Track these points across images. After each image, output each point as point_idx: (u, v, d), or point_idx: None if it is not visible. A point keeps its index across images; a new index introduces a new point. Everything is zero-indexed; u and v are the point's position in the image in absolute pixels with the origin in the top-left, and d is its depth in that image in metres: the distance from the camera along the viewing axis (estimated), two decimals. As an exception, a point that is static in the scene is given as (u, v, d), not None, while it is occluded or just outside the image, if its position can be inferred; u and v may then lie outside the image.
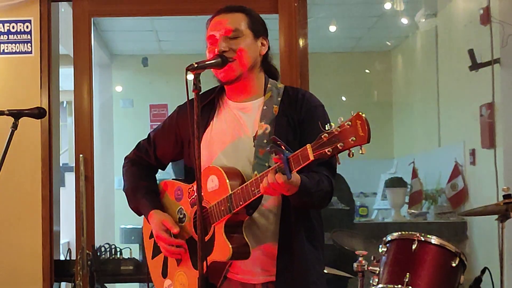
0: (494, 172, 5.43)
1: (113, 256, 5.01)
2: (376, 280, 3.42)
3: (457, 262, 3.34)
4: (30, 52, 4.85)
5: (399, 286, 3.28)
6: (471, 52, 5.83)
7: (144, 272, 5.09)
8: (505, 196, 3.76)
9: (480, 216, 4.55)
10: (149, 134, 2.95)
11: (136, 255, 5.56)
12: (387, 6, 7.12)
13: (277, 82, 2.77)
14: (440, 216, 6.75)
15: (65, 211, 5.21)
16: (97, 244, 4.96)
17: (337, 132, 2.17)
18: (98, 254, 4.89)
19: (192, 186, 2.69)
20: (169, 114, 2.96)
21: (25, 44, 4.84)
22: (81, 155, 4.93)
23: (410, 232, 3.44)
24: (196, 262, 2.57)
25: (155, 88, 9.00)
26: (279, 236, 2.59)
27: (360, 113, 2.15)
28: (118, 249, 5.04)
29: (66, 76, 5.42)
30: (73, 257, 4.90)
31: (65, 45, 5.86)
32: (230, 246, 2.48)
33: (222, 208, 2.50)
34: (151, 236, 2.84)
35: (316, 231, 2.69)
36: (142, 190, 2.84)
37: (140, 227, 5.31)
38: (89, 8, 5.07)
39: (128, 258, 5.05)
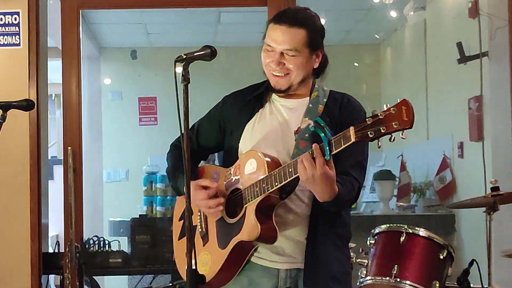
0: (482, 165, 5.46)
1: (102, 249, 5.01)
2: (365, 272, 3.43)
3: (445, 254, 3.35)
4: (18, 44, 4.82)
5: (387, 278, 3.29)
6: (459, 45, 5.85)
7: (132, 265, 5.11)
8: (492, 189, 3.78)
9: (468, 208, 4.57)
10: (193, 125, 2.94)
11: (125, 247, 5.55)
12: (376, -1, 7.12)
13: (323, 86, 2.85)
14: (428, 208, 6.77)
15: (53, 204, 5.20)
16: (85, 237, 4.96)
17: (381, 116, 2.24)
18: (87, 246, 4.89)
19: (229, 169, 2.72)
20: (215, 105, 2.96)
21: (13, 36, 4.82)
22: (69, 148, 4.91)
23: (398, 225, 3.45)
24: (223, 242, 2.62)
25: (144, 81, 8.97)
26: (308, 225, 2.63)
27: (406, 100, 2.22)
28: (106, 242, 5.04)
29: (54, 69, 5.39)
30: (62, 250, 4.89)
31: (54, 38, 5.83)
32: (259, 227, 2.51)
33: (257, 189, 2.53)
34: (181, 218, 2.88)
35: (347, 227, 2.75)
36: (181, 169, 2.81)
37: (128, 220, 5.31)
38: (77, 1, 5.05)
39: (117, 250, 5.05)
